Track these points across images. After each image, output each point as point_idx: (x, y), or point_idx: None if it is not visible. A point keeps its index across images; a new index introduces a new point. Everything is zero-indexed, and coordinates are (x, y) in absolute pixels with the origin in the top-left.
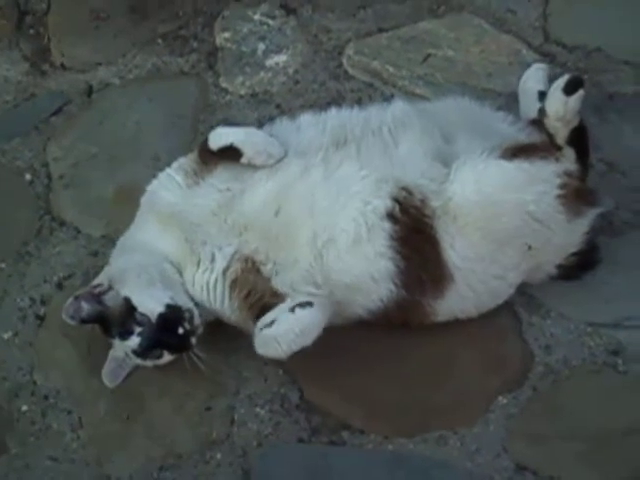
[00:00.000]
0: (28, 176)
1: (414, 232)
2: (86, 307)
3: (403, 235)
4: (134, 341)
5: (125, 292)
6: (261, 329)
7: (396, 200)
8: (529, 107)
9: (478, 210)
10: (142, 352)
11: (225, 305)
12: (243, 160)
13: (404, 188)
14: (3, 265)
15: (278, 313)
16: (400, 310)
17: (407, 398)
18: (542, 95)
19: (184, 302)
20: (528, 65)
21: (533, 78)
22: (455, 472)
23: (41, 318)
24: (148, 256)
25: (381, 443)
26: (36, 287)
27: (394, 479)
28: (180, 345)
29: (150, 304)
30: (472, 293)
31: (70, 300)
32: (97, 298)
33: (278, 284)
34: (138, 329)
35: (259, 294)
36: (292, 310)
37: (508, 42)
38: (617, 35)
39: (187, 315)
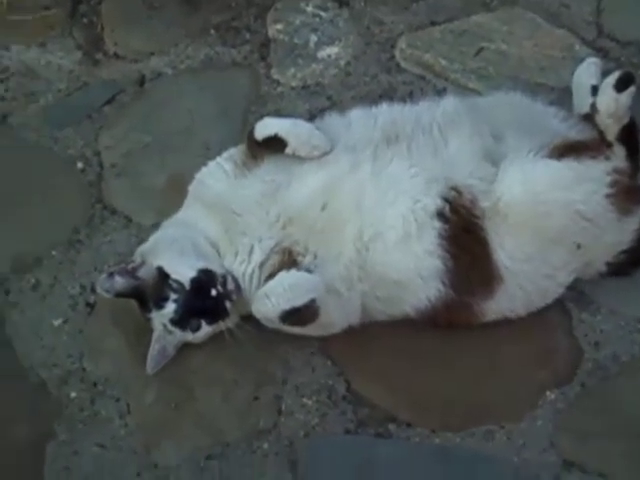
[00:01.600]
0: (80, 164)
1: (464, 232)
2: (120, 280)
3: (452, 234)
4: (170, 308)
5: (157, 262)
6: None
7: (446, 199)
8: (582, 101)
9: (527, 210)
10: (179, 320)
11: None
12: (287, 150)
13: (454, 188)
14: (54, 252)
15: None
16: (448, 310)
17: (454, 392)
18: (595, 90)
19: (217, 268)
20: (581, 60)
21: (586, 73)
22: (501, 467)
23: (91, 306)
24: (183, 230)
25: (428, 436)
26: (87, 275)
27: (440, 472)
28: (215, 309)
29: (182, 269)
30: (521, 293)
31: (104, 275)
32: (131, 273)
33: None
34: (173, 296)
35: None
36: (288, 270)
37: (561, 36)
38: None
39: (220, 279)
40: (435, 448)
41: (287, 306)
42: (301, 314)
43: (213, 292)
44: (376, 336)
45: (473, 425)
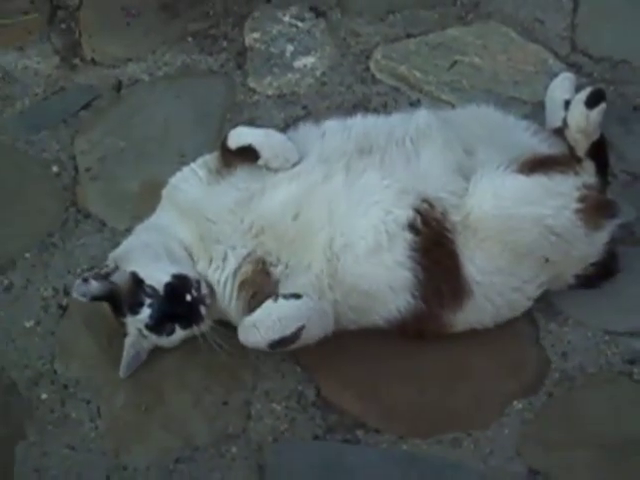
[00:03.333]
0: (55, 168)
1: (435, 245)
2: (95, 284)
3: (423, 247)
4: (145, 313)
5: (131, 267)
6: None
7: (417, 211)
8: (555, 116)
9: (497, 224)
10: (154, 325)
11: (232, 305)
12: (260, 162)
13: (425, 200)
14: (27, 255)
15: (263, 304)
16: (417, 321)
17: (423, 399)
18: (568, 104)
19: (190, 273)
20: (554, 74)
21: (560, 87)
22: (468, 474)
23: (63, 308)
24: (156, 235)
25: (396, 443)
26: (60, 278)
27: (408, 478)
28: (189, 314)
29: (156, 275)
30: (490, 306)
31: (79, 281)
32: (105, 277)
33: (285, 288)
34: (148, 301)
35: (263, 297)
36: (275, 300)
37: (535, 51)
38: None
39: (194, 284)
40: (403, 454)
41: (277, 337)
42: (288, 340)
43: (188, 297)
44: (346, 343)
45: (441, 432)
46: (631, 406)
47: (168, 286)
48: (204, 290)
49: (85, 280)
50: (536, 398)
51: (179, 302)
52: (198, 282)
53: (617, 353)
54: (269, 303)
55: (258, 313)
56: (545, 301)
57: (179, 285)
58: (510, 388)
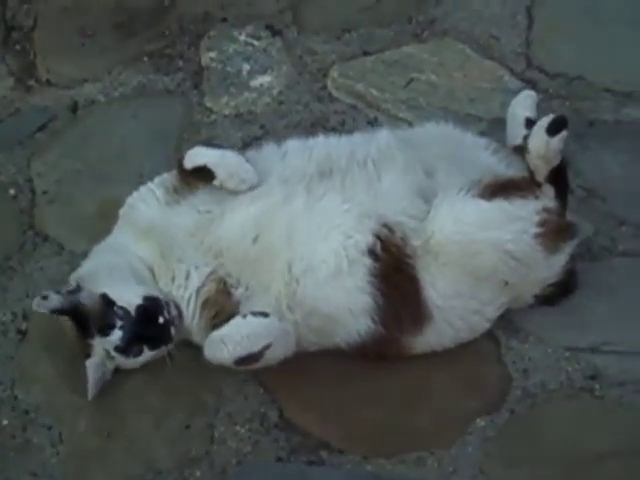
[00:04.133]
0: (12, 191)
1: (394, 270)
2: (56, 297)
3: (383, 272)
4: (116, 335)
5: (100, 289)
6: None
7: (377, 237)
8: (515, 133)
9: (457, 249)
10: (124, 347)
11: (194, 324)
12: (215, 182)
13: (385, 225)
14: None
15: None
16: (377, 344)
17: (386, 419)
18: (529, 122)
19: (159, 294)
20: (510, 91)
21: (521, 104)
22: None
23: (23, 333)
24: (118, 256)
25: (360, 463)
26: (18, 302)
27: None
28: (161, 336)
29: (128, 296)
30: (450, 329)
31: (38, 298)
32: (67, 294)
33: (246, 309)
34: (119, 322)
35: (226, 316)
36: (244, 316)
37: (491, 68)
38: (598, 63)
39: (165, 305)
40: (367, 475)
41: (244, 353)
42: (254, 357)
43: (160, 319)
44: (308, 364)
45: (404, 452)
46: (593, 422)
47: (140, 308)
48: (174, 311)
49: (44, 297)
50: (498, 415)
51: (151, 324)
52: (168, 303)
53: (578, 369)
54: (237, 320)
55: (226, 329)
56: (505, 319)
57: (151, 307)
58: (472, 406)
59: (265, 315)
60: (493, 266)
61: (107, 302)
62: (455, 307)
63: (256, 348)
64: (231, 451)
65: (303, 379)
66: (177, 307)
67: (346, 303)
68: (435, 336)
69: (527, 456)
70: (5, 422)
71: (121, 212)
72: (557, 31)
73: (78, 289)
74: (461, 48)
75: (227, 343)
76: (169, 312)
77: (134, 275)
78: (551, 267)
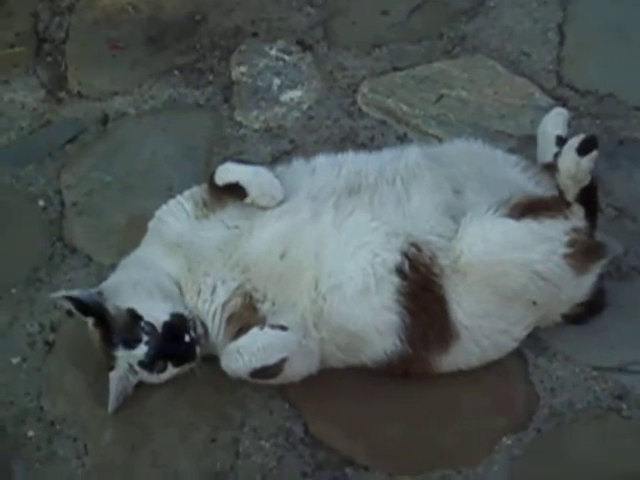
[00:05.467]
0: (41, 202)
1: (422, 290)
2: (81, 292)
3: (411, 291)
4: (141, 350)
5: (127, 304)
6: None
7: (405, 255)
8: (546, 150)
9: (486, 269)
10: (149, 362)
11: (219, 338)
12: (247, 200)
13: (413, 244)
14: (14, 290)
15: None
16: (403, 363)
17: (412, 436)
18: (560, 140)
19: (186, 312)
20: (541, 108)
21: (552, 122)
22: None
23: (50, 344)
24: (146, 270)
25: None
26: (46, 313)
27: None
28: (186, 354)
29: (155, 313)
30: (477, 348)
31: (62, 291)
32: (95, 294)
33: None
34: (145, 338)
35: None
36: (262, 328)
37: (521, 85)
38: (629, 81)
39: (191, 323)
40: None
41: (259, 365)
42: (270, 370)
43: (187, 338)
44: (334, 380)
45: (430, 469)
46: (620, 442)
47: (166, 325)
48: (200, 330)
49: (68, 293)
50: (525, 434)
51: (177, 341)
52: (194, 321)
53: (605, 389)
54: (255, 331)
55: (243, 339)
56: (533, 337)
57: (177, 324)
58: (499, 424)
59: (283, 328)
60: (521, 286)
61: (134, 316)
62: (482, 326)
63: (271, 360)
64: (256, 466)
65: (329, 395)
66: (203, 325)
67: (373, 321)
68: (462, 355)
69: (553, 475)
70: (31, 433)
71: (150, 225)
72: (588, 48)
73: (102, 296)
74: (492, 64)
75: (243, 354)
76: (195, 330)
77: (161, 291)
78: (580, 287)
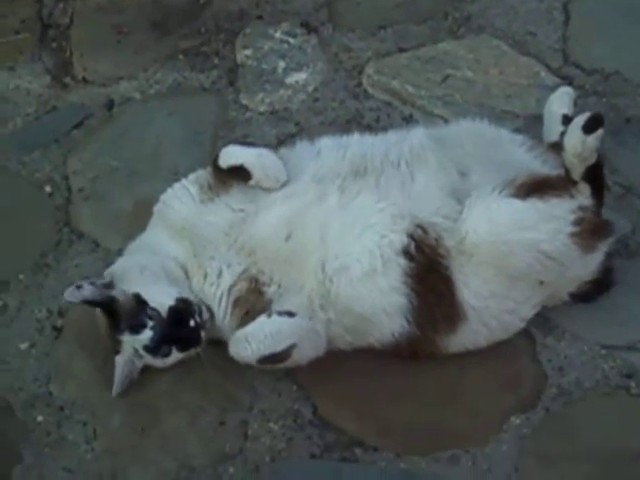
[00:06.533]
0: (48, 188)
1: (429, 271)
2: (89, 288)
3: (418, 273)
4: (146, 335)
5: (133, 289)
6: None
7: (412, 237)
8: (552, 130)
9: (492, 249)
10: (153, 347)
11: (225, 322)
12: (251, 182)
13: (419, 225)
14: (21, 276)
15: (256, 319)
16: (411, 344)
17: (420, 416)
18: (566, 118)
19: (191, 296)
20: (547, 87)
21: (558, 101)
22: None
23: (58, 330)
24: (152, 255)
25: (393, 461)
26: (54, 299)
27: None
28: (191, 338)
29: (160, 298)
30: (484, 329)
31: (71, 287)
32: (102, 286)
33: (278, 308)
34: (150, 323)
35: (256, 315)
36: (269, 315)
37: (527, 64)
38: (635, 59)
39: (197, 308)
40: (401, 472)
41: (267, 352)
42: (278, 357)
43: (192, 323)
44: (342, 361)
45: (438, 449)
46: (629, 420)
47: (171, 310)
48: (205, 314)
49: (78, 287)
50: (533, 413)
51: (182, 326)
52: (200, 306)
53: (614, 367)
54: (263, 318)
55: (251, 327)
56: (541, 316)
57: (182, 309)
58: (507, 404)
59: (291, 315)
60: (528, 266)
61: (140, 302)
62: (489, 307)
63: (280, 347)
64: (265, 448)
65: (337, 376)
66: (209, 310)
67: (380, 303)
68: (469, 336)
69: (562, 454)
70: (40, 418)
71: (155, 209)
72: (594, 27)
73: (111, 284)
74: (497, 44)
75: (251, 341)
76: (200, 315)
77: (167, 275)
78: (587, 266)
